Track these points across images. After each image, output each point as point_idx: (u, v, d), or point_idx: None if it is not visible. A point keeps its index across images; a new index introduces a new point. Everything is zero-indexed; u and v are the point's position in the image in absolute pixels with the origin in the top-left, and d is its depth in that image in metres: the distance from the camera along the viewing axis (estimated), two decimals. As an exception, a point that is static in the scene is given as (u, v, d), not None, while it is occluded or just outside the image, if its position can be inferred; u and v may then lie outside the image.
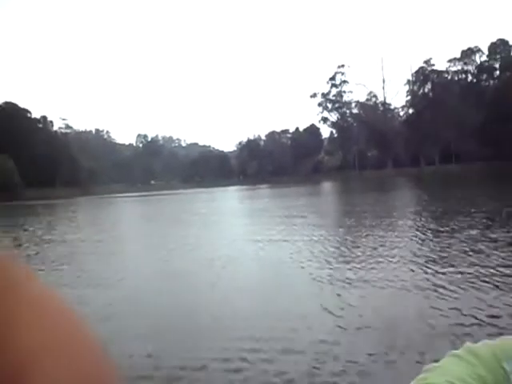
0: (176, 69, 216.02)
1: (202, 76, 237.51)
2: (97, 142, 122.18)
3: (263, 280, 8.21)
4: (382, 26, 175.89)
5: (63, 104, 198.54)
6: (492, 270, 7.21)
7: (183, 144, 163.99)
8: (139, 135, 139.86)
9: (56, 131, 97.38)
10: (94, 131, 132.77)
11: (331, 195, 37.59)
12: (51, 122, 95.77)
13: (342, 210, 21.69)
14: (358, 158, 78.78)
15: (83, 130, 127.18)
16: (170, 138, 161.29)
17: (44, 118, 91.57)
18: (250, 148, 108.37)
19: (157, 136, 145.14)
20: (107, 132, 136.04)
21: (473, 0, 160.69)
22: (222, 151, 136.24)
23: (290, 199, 31.36)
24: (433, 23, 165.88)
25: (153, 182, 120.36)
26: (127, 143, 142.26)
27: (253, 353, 4.60)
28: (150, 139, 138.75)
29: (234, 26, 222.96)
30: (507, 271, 7.11)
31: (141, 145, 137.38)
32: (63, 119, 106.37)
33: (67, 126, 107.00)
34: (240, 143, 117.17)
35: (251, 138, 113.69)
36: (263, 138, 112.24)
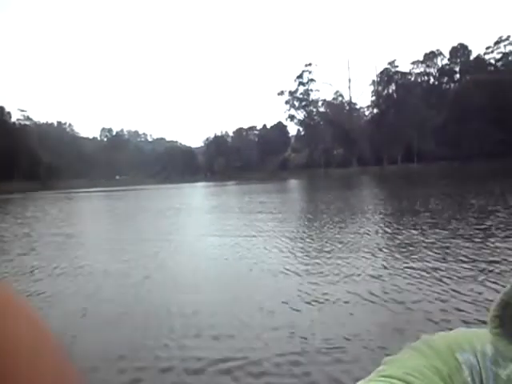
0: (144, 62, 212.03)
1: (170, 70, 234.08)
2: (59, 135, 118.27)
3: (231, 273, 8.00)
4: (350, 26, 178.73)
5: (23, 95, 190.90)
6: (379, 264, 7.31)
7: (149, 139, 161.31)
8: (103, 129, 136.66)
9: (14, 123, 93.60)
10: (55, 124, 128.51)
11: (295, 192, 37.81)
12: (9, 113, 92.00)
13: (301, 208, 21.76)
14: (324, 156, 79.77)
15: (44, 122, 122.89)
16: (136, 132, 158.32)
17: (1, 108, 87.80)
18: (217, 144, 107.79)
19: (122, 130, 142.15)
20: (70, 125, 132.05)
21: (436, 5, 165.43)
22: (189, 147, 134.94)
23: (256, 196, 31.31)
24: (398, 25, 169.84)
25: (117, 177, 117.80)
26: (91, 137, 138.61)
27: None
28: (114, 133, 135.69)
29: (204, 22, 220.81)
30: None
31: (105, 139, 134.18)
32: (22, 110, 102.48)
33: (26, 118, 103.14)
34: (207, 139, 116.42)
35: (218, 134, 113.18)
36: (231, 134, 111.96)
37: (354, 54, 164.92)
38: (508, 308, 0.47)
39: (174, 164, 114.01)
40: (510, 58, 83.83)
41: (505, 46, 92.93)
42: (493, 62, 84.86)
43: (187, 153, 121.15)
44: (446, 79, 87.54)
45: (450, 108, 66.46)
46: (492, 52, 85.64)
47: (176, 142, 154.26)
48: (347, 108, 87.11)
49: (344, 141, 77.58)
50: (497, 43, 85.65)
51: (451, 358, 0.48)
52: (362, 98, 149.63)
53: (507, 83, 62.53)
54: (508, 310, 0.47)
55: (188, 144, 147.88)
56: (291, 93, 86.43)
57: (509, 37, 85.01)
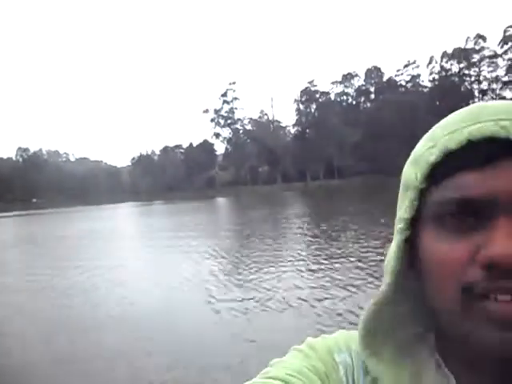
0: (66, 77, 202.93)
1: (94, 88, 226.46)
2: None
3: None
4: (274, 45, 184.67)
5: None
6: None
7: (72, 159, 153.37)
8: (19, 148, 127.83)
9: None
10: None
11: (218, 212, 37.48)
12: None
13: (216, 229, 21.45)
14: (250, 174, 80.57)
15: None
16: (57, 152, 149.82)
17: None
18: (143, 163, 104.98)
19: (40, 150, 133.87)
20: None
21: (351, 29, 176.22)
22: (115, 166, 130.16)
23: (182, 215, 30.50)
24: (319, 46, 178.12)
25: (34, 200, 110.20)
26: (5, 157, 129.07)
27: None
28: (31, 153, 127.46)
29: (126, 36, 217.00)
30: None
31: (21, 159, 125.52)
32: None
33: None
34: (133, 158, 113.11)
35: (144, 153, 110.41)
36: (157, 152, 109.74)
37: (278, 73, 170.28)
38: (374, 320, 0.49)
39: (97, 184, 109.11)
40: (417, 80, 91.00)
41: (412, 68, 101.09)
42: (403, 83, 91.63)
43: (112, 172, 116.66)
44: (362, 99, 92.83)
45: (365, 126, 70.30)
46: (402, 74, 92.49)
47: (101, 161, 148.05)
48: (274, 126, 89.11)
49: (269, 158, 78.99)
50: (406, 66, 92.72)
51: (330, 359, 0.51)
52: (287, 116, 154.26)
53: (416, 103, 67.52)
54: (373, 322, 0.50)
55: (114, 163, 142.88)
56: (216, 111, 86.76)
57: (415, 61, 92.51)
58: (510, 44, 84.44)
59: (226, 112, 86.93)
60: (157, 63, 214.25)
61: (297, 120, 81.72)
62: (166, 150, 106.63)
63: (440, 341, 0.49)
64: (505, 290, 0.37)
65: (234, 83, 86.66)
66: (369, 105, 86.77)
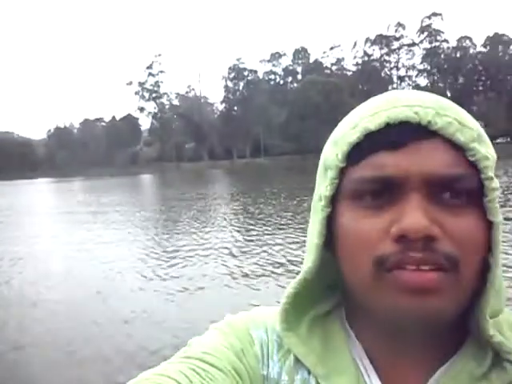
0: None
1: (5, 51, 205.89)
2: None
3: None
4: (203, 19, 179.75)
5: None
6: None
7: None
8: None
9: None
10: None
11: (141, 190, 36.10)
12: None
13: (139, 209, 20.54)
14: (176, 150, 78.65)
15: None
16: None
17: None
18: (60, 136, 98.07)
19: None
20: None
21: (282, 8, 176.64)
22: (29, 139, 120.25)
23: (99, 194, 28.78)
24: (248, 24, 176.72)
25: None
26: None
27: None
28: None
29: (52, 4, 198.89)
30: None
31: None
32: None
33: None
34: (49, 131, 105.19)
35: (62, 125, 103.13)
36: (77, 125, 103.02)
37: (206, 48, 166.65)
38: (295, 296, 0.51)
39: (7, 158, 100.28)
40: (342, 64, 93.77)
41: (339, 51, 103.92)
42: (329, 65, 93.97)
43: (25, 146, 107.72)
44: (290, 79, 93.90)
45: (292, 106, 71.28)
46: (328, 56, 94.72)
47: (12, 133, 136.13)
48: (201, 102, 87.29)
49: (195, 135, 77.54)
50: (331, 49, 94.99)
51: (246, 334, 0.53)
52: (215, 92, 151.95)
53: (340, 85, 69.53)
54: (295, 299, 0.52)
55: (28, 136, 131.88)
56: (141, 84, 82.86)
57: (340, 45, 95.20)
58: (425, 34, 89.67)
59: (151, 85, 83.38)
60: (79, 28, 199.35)
61: (224, 97, 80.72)
62: (86, 122, 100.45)
63: (352, 313, 0.52)
64: (414, 260, 0.40)
65: (159, 55, 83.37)
66: (296, 85, 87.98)
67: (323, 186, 0.48)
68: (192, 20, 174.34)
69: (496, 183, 0.43)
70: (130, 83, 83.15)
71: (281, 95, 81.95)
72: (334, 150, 0.47)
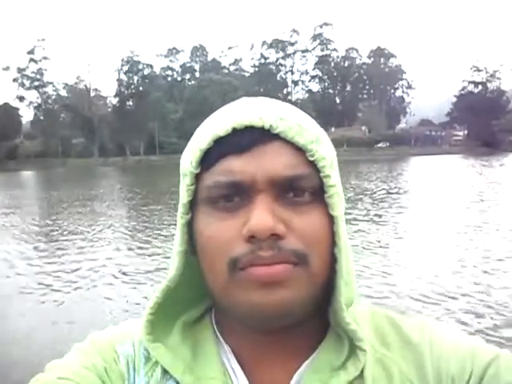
0: None
1: None
2: None
3: None
4: (94, 6, 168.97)
5: None
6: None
7: None
8: None
9: None
10: None
11: (21, 189, 32.24)
12: None
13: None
14: (62, 145, 72.43)
15: None
16: None
17: None
18: None
19: None
20: None
21: (179, 3, 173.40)
22: None
23: None
24: (144, 15, 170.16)
25: None
26: None
27: None
28: None
29: None
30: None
31: None
32: None
33: None
34: None
35: None
36: None
37: (98, 37, 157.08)
38: (161, 305, 0.51)
39: None
40: (240, 64, 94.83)
41: (237, 52, 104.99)
42: (227, 65, 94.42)
43: None
44: (188, 76, 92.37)
45: (187, 103, 70.07)
46: (226, 56, 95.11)
47: None
48: (92, 94, 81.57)
49: (85, 129, 72.20)
50: (229, 48, 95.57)
51: (111, 351, 0.51)
52: (108, 85, 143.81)
53: (237, 86, 70.09)
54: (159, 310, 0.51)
55: None
56: (20, 70, 74.69)
57: (238, 45, 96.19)
58: (318, 41, 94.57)
59: (32, 72, 75.56)
60: None
61: (117, 90, 76.43)
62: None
63: (220, 316, 0.54)
64: (263, 259, 0.43)
65: (43, 40, 75.79)
66: (193, 82, 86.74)
67: (182, 193, 0.49)
68: (81, 5, 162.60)
69: (334, 180, 0.46)
70: (7, 68, 74.55)
71: (178, 92, 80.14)
72: (188, 157, 0.48)
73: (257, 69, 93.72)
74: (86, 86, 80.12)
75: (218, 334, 0.53)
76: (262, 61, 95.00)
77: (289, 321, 0.46)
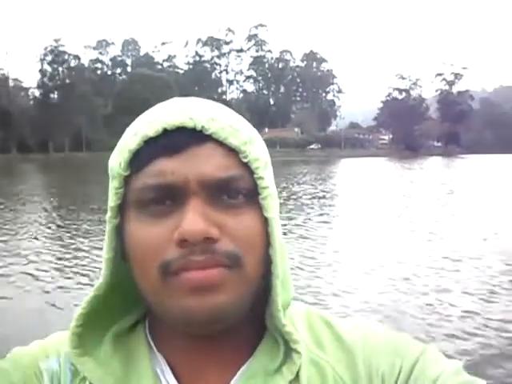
0: None
1: None
2: None
3: None
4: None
5: None
6: None
7: None
8: None
9: None
10: None
11: None
12: None
13: None
14: (-25, 139, 66.48)
15: None
16: None
17: None
18: None
19: None
20: None
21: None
22: None
23: None
24: (71, 2, 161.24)
25: None
26: None
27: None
28: None
29: None
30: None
31: None
32: None
33: None
34: None
35: None
36: None
37: (18, 24, 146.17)
38: (90, 315, 0.49)
39: None
40: (173, 61, 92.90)
41: (172, 48, 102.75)
42: (160, 61, 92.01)
43: None
44: (119, 70, 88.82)
45: (118, 98, 67.30)
46: (159, 51, 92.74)
47: None
48: (11, 84, 75.50)
49: (2, 122, 66.69)
50: (163, 44, 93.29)
51: (33, 368, 0.49)
52: (31, 76, 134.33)
53: (170, 82, 68.50)
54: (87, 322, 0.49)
55: None
56: None
57: (172, 41, 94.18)
58: (253, 42, 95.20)
59: None
60: None
61: (40, 82, 71.50)
62: None
63: (153, 323, 0.52)
64: (196, 263, 0.42)
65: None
66: (125, 77, 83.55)
67: (110, 196, 0.47)
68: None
69: (267, 182, 0.46)
70: None
71: (108, 86, 76.69)
72: (117, 158, 0.46)
73: (191, 66, 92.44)
74: (3, 74, 74.06)
75: (152, 343, 0.51)
76: (197, 58, 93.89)
77: (224, 325, 0.45)
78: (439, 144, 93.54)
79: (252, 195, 0.46)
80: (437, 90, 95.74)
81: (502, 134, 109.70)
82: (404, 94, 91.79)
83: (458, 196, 16.46)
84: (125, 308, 0.53)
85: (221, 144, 0.44)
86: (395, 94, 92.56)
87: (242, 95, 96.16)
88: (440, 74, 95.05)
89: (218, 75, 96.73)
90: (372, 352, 0.49)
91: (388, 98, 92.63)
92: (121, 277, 0.49)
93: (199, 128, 0.44)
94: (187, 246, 0.42)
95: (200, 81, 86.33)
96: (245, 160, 0.45)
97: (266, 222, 0.46)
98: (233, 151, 0.45)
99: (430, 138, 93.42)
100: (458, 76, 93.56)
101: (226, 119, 0.46)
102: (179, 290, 0.43)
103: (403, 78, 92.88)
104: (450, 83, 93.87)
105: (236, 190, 0.45)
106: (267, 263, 0.47)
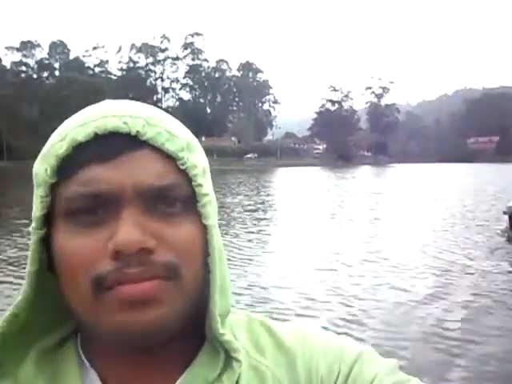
0: None
1: None
2: None
3: None
4: None
5: None
6: None
7: None
8: None
9: None
10: None
11: None
12: None
13: None
14: None
15: None
16: None
17: None
18: None
19: None
20: None
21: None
22: None
23: None
24: None
25: None
26: None
27: None
28: None
29: None
30: None
31: None
32: None
33: None
34: None
35: None
36: None
37: None
38: (12, 332, 0.46)
39: None
40: (106, 66, 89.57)
41: (103, 53, 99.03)
42: (91, 65, 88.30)
43: None
44: (46, 74, 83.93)
45: (44, 104, 63.57)
46: (90, 56, 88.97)
47: None
48: None
49: None
50: (94, 48, 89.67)
51: None
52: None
53: (102, 88, 65.90)
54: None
55: None
56: None
57: (104, 46, 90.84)
58: (189, 50, 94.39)
59: None
60: None
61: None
62: None
63: (84, 339, 0.49)
64: (132, 276, 0.40)
65: None
66: (52, 81, 79.11)
67: (35, 205, 0.43)
68: None
69: (206, 189, 0.45)
70: None
71: (33, 91, 72.06)
72: (43, 164, 0.43)
73: (124, 72, 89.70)
74: None
75: (84, 359, 0.48)
76: (131, 65, 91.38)
77: (162, 339, 0.43)
78: (369, 154, 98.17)
79: (190, 203, 0.44)
80: (367, 103, 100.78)
81: (424, 144, 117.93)
82: (336, 105, 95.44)
83: (387, 204, 17.02)
84: (50, 324, 0.49)
85: (157, 150, 0.43)
86: (328, 105, 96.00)
87: (178, 103, 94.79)
88: (369, 88, 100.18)
89: (153, 82, 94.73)
90: (311, 355, 0.49)
91: (322, 109, 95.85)
92: (46, 291, 0.46)
93: (134, 133, 0.42)
94: (122, 258, 0.40)
95: (134, 87, 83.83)
96: (182, 167, 0.43)
97: (204, 229, 0.45)
98: (170, 158, 0.43)
99: (361, 148, 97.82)
100: (385, 90, 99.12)
101: (163, 124, 0.44)
102: (113, 305, 0.40)
103: (336, 90, 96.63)
104: (379, 96, 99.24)
105: (173, 198, 0.43)
106: (206, 272, 0.46)
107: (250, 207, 16.00)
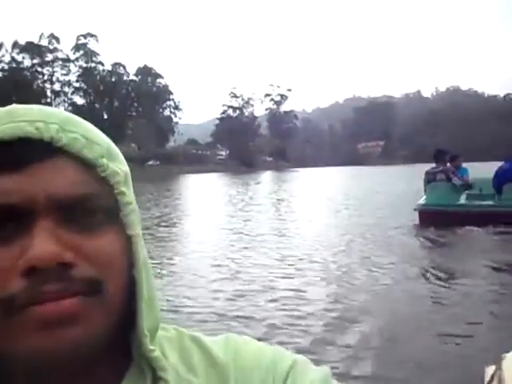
0: None
1: None
2: None
3: None
4: None
5: None
6: None
7: None
8: None
9: None
10: None
11: None
12: None
13: None
14: None
15: None
16: None
17: None
18: None
19: None
20: None
21: None
22: None
23: None
24: None
25: None
26: None
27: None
28: None
29: None
30: None
31: None
32: None
33: None
34: None
35: None
36: None
37: None
38: None
39: None
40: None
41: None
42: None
43: None
44: None
45: None
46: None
47: None
48: None
49: None
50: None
51: None
52: None
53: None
54: None
55: None
56: None
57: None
58: (81, 52, 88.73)
59: None
60: None
61: None
62: None
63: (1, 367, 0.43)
64: (49, 294, 0.36)
65: None
66: None
67: None
68: None
69: (129, 197, 0.42)
70: None
71: None
72: None
73: (6, 73, 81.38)
74: None
75: None
76: (14, 65, 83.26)
77: (83, 361, 0.40)
78: (271, 159, 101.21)
79: (112, 212, 0.41)
80: (266, 109, 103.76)
81: (320, 149, 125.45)
82: (237, 111, 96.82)
83: (291, 207, 17.33)
84: None
85: (74, 157, 0.40)
86: (230, 111, 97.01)
87: (70, 108, 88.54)
88: (268, 95, 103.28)
89: (41, 85, 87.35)
90: (244, 369, 0.48)
91: (223, 116, 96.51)
92: None
93: (48, 139, 0.39)
94: (36, 274, 0.36)
95: (19, 90, 76.38)
96: (103, 174, 0.41)
97: (128, 240, 0.42)
98: (89, 165, 0.40)
99: (263, 154, 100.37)
100: (283, 97, 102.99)
101: (80, 130, 0.41)
102: (26, 328, 0.36)
103: (236, 97, 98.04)
104: (278, 103, 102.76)
105: (93, 208, 0.40)
106: (132, 285, 0.43)
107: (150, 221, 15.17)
